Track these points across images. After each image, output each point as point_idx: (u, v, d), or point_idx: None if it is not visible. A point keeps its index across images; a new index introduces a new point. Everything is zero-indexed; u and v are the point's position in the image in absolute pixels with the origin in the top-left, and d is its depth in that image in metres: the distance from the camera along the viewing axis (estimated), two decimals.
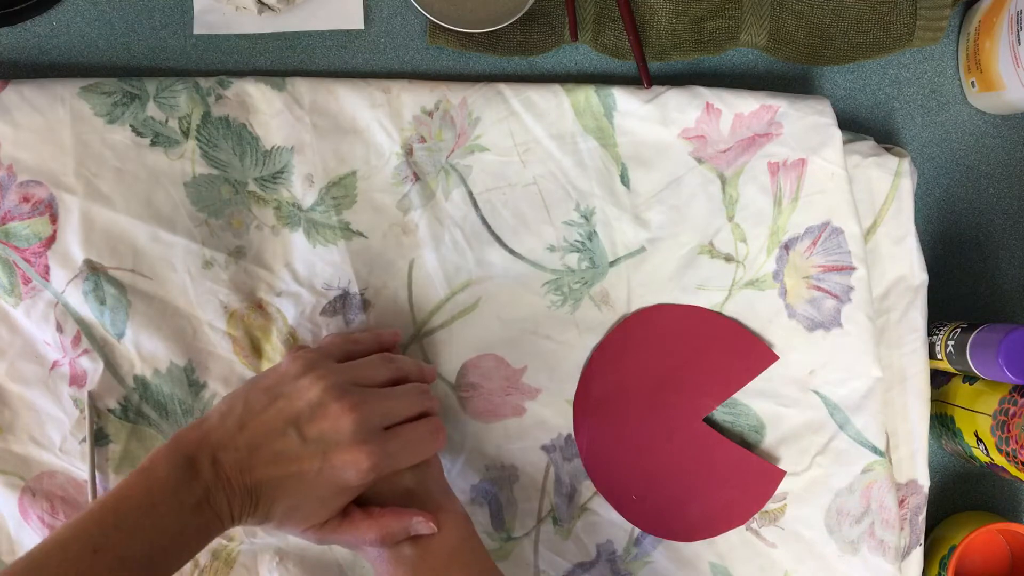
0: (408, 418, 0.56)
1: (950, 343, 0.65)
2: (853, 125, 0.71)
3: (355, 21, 0.68)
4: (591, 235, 0.67)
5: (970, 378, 0.67)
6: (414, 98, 0.66)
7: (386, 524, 0.53)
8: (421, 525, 0.53)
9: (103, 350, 0.64)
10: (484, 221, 0.66)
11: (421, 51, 0.69)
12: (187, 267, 0.64)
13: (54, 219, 0.63)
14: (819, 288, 0.66)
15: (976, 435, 0.65)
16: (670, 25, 0.67)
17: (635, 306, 0.67)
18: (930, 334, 0.68)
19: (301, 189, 0.65)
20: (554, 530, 0.66)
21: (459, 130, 0.66)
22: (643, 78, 0.67)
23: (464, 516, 0.56)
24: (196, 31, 0.68)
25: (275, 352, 0.64)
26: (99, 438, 0.63)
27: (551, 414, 0.67)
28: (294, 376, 0.53)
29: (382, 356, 0.58)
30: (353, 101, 0.66)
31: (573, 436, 0.67)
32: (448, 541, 0.54)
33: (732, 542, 0.66)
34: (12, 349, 0.63)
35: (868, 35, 0.68)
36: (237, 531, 0.64)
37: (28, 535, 0.63)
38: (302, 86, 0.65)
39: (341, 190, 0.66)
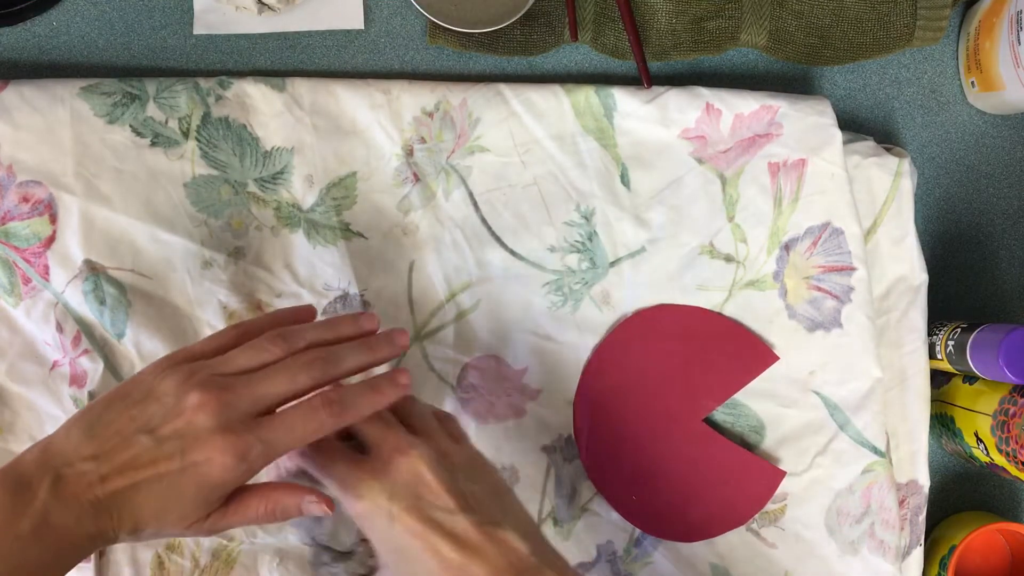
0: (296, 395, 0.48)
1: (950, 343, 0.65)
2: (853, 125, 0.71)
3: (355, 21, 0.68)
4: (591, 235, 0.67)
5: (970, 378, 0.67)
6: (414, 99, 0.66)
7: (277, 498, 0.48)
8: (314, 506, 0.48)
9: (103, 350, 0.64)
10: (484, 222, 0.66)
11: (421, 51, 0.69)
12: (186, 267, 0.64)
13: (54, 219, 0.63)
14: (819, 288, 0.66)
15: (976, 435, 0.65)
16: (670, 25, 0.67)
17: (635, 306, 0.67)
18: (930, 334, 0.68)
19: (301, 190, 0.65)
20: (554, 531, 0.66)
21: (459, 131, 0.66)
22: (643, 78, 0.67)
23: (535, 530, 0.50)
24: (196, 31, 0.68)
25: None
26: None
27: (551, 415, 0.67)
28: (150, 378, 0.47)
29: (267, 335, 0.49)
30: (353, 102, 0.66)
31: (573, 437, 0.67)
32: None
33: (732, 543, 0.66)
34: (12, 349, 0.63)
35: (868, 35, 0.68)
36: (237, 531, 0.64)
37: None
38: (302, 87, 0.65)
39: (341, 191, 0.66)
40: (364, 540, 0.54)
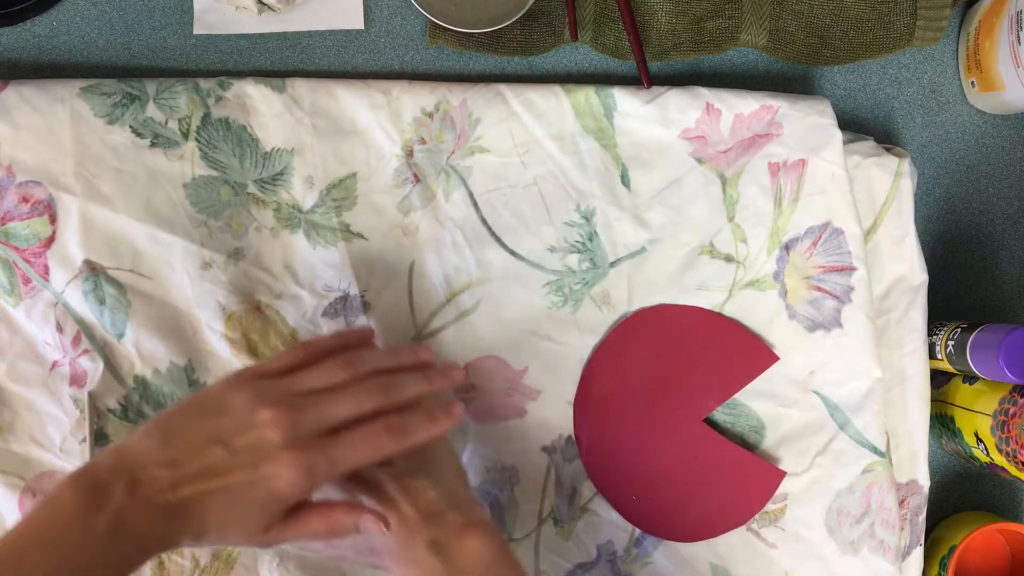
0: (360, 417, 0.52)
1: (950, 343, 0.65)
2: (853, 125, 0.71)
3: (355, 21, 0.68)
4: (592, 236, 0.67)
5: (970, 378, 0.67)
6: (414, 99, 0.66)
7: (335, 518, 0.51)
8: (371, 524, 0.52)
9: (103, 350, 0.64)
10: (485, 222, 0.66)
11: (421, 51, 0.69)
12: (186, 268, 0.64)
13: (53, 219, 0.63)
14: (819, 288, 0.66)
15: (976, 435, 0.65)
16: (670, 25, 0.67)
17: (636, 306, 0.67)
18: (930, 334, 0.68)
19: (301, 191, 0.65)
20: (555, 531, 0.66)
21: (459, 131, 0.66)
22: (643, 78, 0.67)
23: (495, 529, 0.55)
24: (196, 31, 0.68)
25: (272, 355, 0.64)
26: (99, 438, 0.63)
27: (552, 415, 0.67)
28: (223, 392, 0.50)
29: (336, 359, 0.54)
30: (353, 102, 0.66)
31: (574, 437, 0.67)
32: (482, 557, 0.52)
33: (732, 543, 0.66)
34: (12, 349, 0.63)
35: (868, 35, 0.68)
36: None
37: None
38: (302, 87, 0.65)
39: (341, 192, 0.66)
40: None
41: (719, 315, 0.67)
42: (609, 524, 0.67)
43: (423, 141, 0.66)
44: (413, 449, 0.54)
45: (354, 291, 0.65)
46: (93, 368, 0.63)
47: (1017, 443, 0.61)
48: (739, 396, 0.67)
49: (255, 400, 0.49)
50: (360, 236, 0.66)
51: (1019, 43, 0.64)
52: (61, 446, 0.63)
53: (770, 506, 0.66)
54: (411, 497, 0.53)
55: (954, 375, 0.69)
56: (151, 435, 0.48)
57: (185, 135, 0.65)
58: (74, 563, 0.44)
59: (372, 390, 0.53)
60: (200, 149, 0.65)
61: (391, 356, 0.56)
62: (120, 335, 0.63)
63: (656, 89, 0.67)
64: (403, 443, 0.52)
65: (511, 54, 0.68)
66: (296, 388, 0.51)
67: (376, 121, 0.66)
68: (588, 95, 0.66)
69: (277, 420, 0.48)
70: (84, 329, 0.63)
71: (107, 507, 0.45)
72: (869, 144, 0.68)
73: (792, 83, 0.71)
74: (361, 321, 0.65)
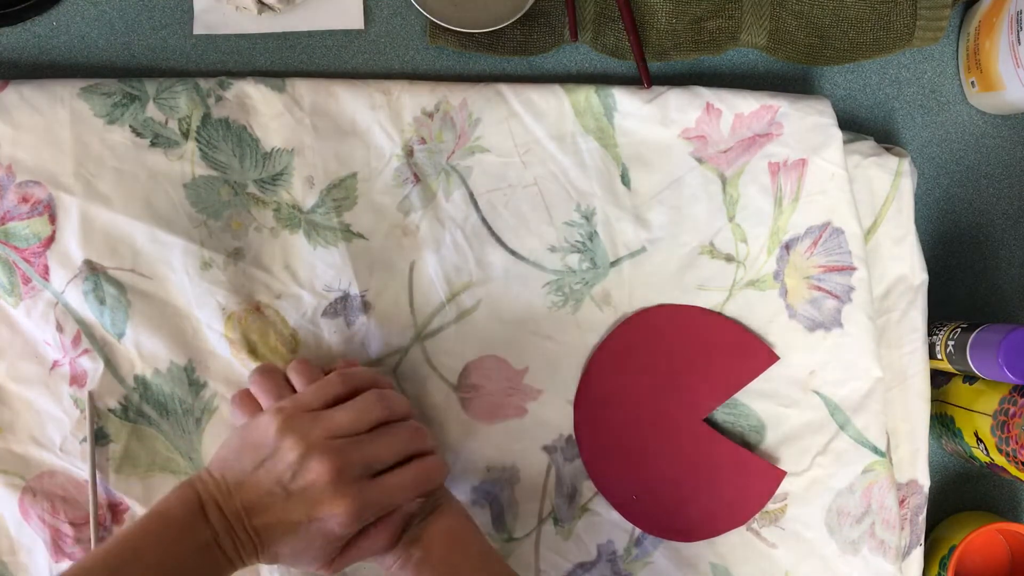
0: (398, 460, 0.57)
1: (950, 343, 0.65)
2: (853, 125, 0.71)
3: (355, 21, 0.68)
4: (592, 235, 0.67)
5: (970, 378, 0.67)
6: (414, 99, 0.66)
7: (392, 522, 0.57)
8: (412, 504, 0.57)
9: (103, 350, 0.64)
10: (485, 222, 0.66)
11: (421, 51, 0.69)
12: (185, 268, 0.64)
13: (53, 219, 0.63)
14: (820, 288, 0.66)
15: (976, 435, 0.65)
16: (670, 25, 0.67)
17: (636, 306, 0.67)
18: (930, 334, 0.68)
19: (301, 191, 0.65)
20: (555, 530, 0.66)
21: (459, 131, 0.66)
22: (643, 78, 0.67)
23: (458, 504, 0.60)
24: (196, 31, 0.68)
25: (272, 356, 0.64)
26: (99, 438, 0.63)
27: (552, 415, 0.67)
28: (275, 438, 0.54)
29: (367, 400, 0.57)
30: (353, 103, 0.65)
31: (574, 436, 0.67)
32: (449, 528, 0.58)
33: (733, 542, 0.66)
34: (12, 349, 0.63)
35: (868, 35, 0.68)
36: None
37: (28, 535, 0.63)
38: (302, 87, 0.65)
39: (342, 192, 0.66)
40: None
41: (719, 315, 0.67)
42: (609, 524, 0.67)
43: (423, 141, 0.66)
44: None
45: (354, 291, 0.65)
46: (93, 368, 0.63)
47: (1017, 443, 0.61)
48: (739, 396, 0.67)
49: (304, 445, 0.53)
50: (360, 236, 0.66)
51: (1019, 43, 0.64)
52: (61, 446, 0.63)
53: (770, 506, 0.66)
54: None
55: (954, 375, 0.69)
56: (228, 472, 0.54)
57: (185, 135, 0.64)
58: (181, 566, 0.51)
59: (410, 435, 0.57)
60: (200, 149, 0.65)
61: (404, 402, 0.60)
62: (120, 335, 0.63)
63: (656, 89, 0.67)
64: (438, 483, 0.58)
65: (511, 54, 0.68)
66: (340, 430, 0.55)
67: (376, 121, 0.66)
68: (588, 95, 0.66)
69: (325, 469, 0.53)
70: (84, 329, 0.63)
71: (207, 526, 0.52)
72: (869, 144, 0.68)
73: (792, 83, 0.71)
74: (361, 321, 0.65)
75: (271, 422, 0.55)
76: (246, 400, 0.60)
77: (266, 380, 0.60)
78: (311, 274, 0.65)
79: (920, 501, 0.67)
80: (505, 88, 0.66)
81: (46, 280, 0.63)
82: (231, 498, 0.53)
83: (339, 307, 0.65)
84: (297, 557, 0.54)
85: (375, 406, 0.57)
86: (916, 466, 0.67)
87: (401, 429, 0.57)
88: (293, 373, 0.60)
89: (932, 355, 0.67)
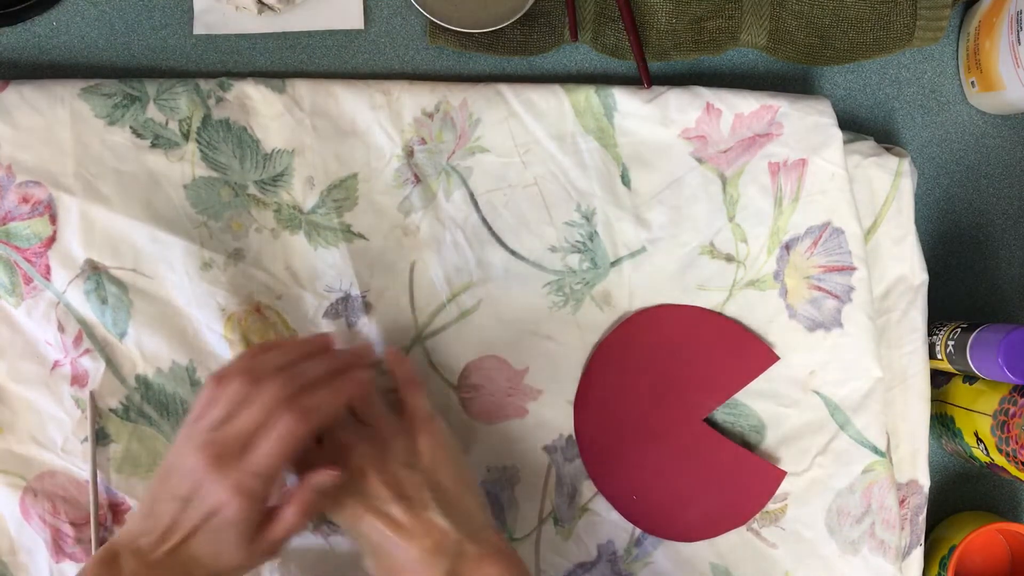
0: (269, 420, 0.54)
1: (950, 343, 0.65)
2: (853, 125, 0.71)
3: (355, 21, 0.68)
4: (592, 235, 0.67)
5: (970, 378, 0.67)
6: (414, 99, 0.66)
7: (299, 499, 0.55)
8: (324, 476, 0.55)
9: (104, 350, 0.64)
10: (485, 222, 0.66)
11: (421, 51, 0.69)
12: (185, 268, 0.64)
13: (53, 219, 0.63)
14: (820, 288, 0.66)
15: (976, 435, 0.65)
16: (670, 25, 0.67)
17: (636, 306, 0.67)
18: (930, 334, 0.68)
19: (302, 192, 0.65)
20: (555, 531, 0.66)
21: (460, 131, 0.66)
22: (643, 78, 0.67)
23: (514, 557, 0.57)
24: (196, 31, 0.68)
25: None
26: (100, 438, 0.64)
27: (552, 415, 0.67)
28: (173, 455, 0.55)
29: (235, 376, 0.55)
30: (353, 103, 0.66)
31: (574, 436, 0.67)
32: None
33: (733, 542, 0.67)
34: (13, 349, 0.63)
35: (868, 35, 0.68)
36: None
37: (29, 535, 0.63)
38: (302, 88, 0.65)
39: (342, 192, 0.66)
40: None
41: (719, 315, 0.67)
42: (609, 524, 0.67)
43: (423, 141, 0.66)
44: (433, 481, 0.58)
45: (355, 292, 0.65)
46: (94, 368, 0.63)
47: (1017, 443, 0.61)
48: (739, 396, 0.67)
49: (188, 450, 0.53)
50: (361, 236, 0.66)
51: (1019, 43, 0.64)
52: (62, 446, 0.63)
53: (770, 506, 0.66)
54: (425, 529, 0.56)
55: (954, 375, 0.69)
56: (139, 509, 0.55)
57: (185, 136, 0.65)
58: None
59: (273, 388, 0.54)
60: (200, 150, 0.65)
61: (293, 349, 0.58)
62: (122, 334, 0.63)
63: (656, 89, 0.67)
64: (310, 419, 0.54)
65: (511, 54, 0.68)
66: (214, 422, 0.54)
67: (376, 121, 0.66)
68: (588, 95, 0.66)
69: (200, 461, 0.52)
70: (85, 329, 0.63)
71: (122, 572, 0.52)
72: (869, 144, 0.68)
73: (792, 83, 0.71)
74: (363, 322, 0.65)
75: (174, 445, 0.55)
76: None
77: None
78: (312, 275, 0.65)
79: (920, 501, 0.67)
80: (505, 88, 0.66)
81: (47, 280, 0.63)
82: (141, 532, 0.53)
83: (340, 308, 0.65)
84: (219, 559, 0.53)
85: (239, 385, 0.55)
86: (916, 466, 0.67)
87: (265, 388, 0.54)
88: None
89: (932, 355, 0.67)
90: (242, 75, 0.67)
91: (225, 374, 0.56)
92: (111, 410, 0.64)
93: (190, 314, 0.64)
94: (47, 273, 0.63)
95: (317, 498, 0.56)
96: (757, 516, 0.66)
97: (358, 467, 0.57)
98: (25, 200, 0.63)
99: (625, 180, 0.67)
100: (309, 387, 0.55)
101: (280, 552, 0.56)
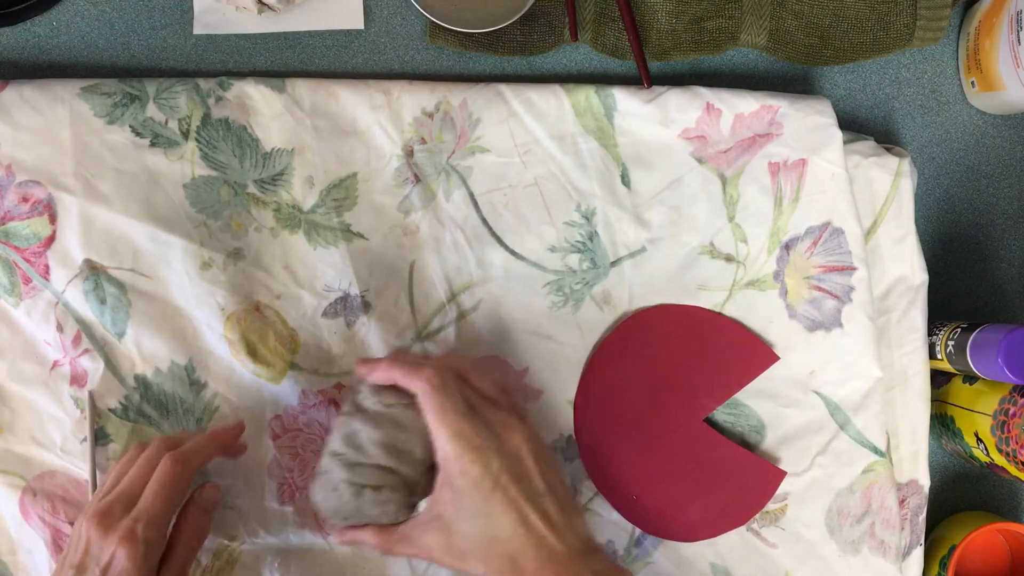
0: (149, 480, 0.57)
1: (950, 343, 0.65)
2: (853, 125, 0.71)
3: (355, 21, 0.68)
4: (592, 235, 0.67)
5: (970, 378, 0.67)
6: (414, 99, 0.66)
7: (188, 523, 0.58)
8: (209, 491, 0.59)
9: (103, 349, 0.64)
10: (485, 222, 0.66)
11: (421, 51, 0.69)
12: (185, 268, 0.64)
13: (53, 219, 0.63)
14: (820, 288, 0.66)
15: (976, 435, 0.65)
16: (670, 25, 0.67)
17: (636, 306, 0.67)
18: (930, 334, 0.68)
19: (301, 191, 0.65)
20: None
21: (459, 131, 0.66)
22: (643, 78, 0.67)
23: None
24: (196, 31, 0.68)
25: (271, 356, 0.64)
26: (100, 437, 0.63)
27: (552, 415, 0.67)
28: (72, 533, 0.57)
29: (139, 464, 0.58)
30: (353, 103, 0.66)
31: (574, 437, 0.67)
32: None
33: (733, 542, 0.66)
34: (12, 349, 0.63)
35: (868, 35, 0.68)
36: (239, 532, 0.64)
37: (29, 535, 0.63)
38: (302, 88, 0.65)
39: (342, 192, 0.66)
40: (429, 471, 0.56)
41: (719, 315, 0.67)
42: (609, 524, 0.67)
43: (423, 141, 0.66)
44: (557, 473, 0.57)
45: (354, 291, 0.65)
46: (93, 367, 0.63)
47: (1017, 443, 0.61)
48: (739, 396, 0.67)
49: (79, 523, 0.56)
50: (360, 236, 0.66)
51: (1019, 43, 0.64)
52: (62, 446, 0.63)
53: (770, 506, 0.66)
54: (575, 531, 0.55)
55: (954, 375, 0.69)
56: None
57: (185, 135, 0.65)
58: None
59: (151, 449, 0.58)
60: (200, 149, 0.65)
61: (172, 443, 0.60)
62: (121, 334, 0.63)
63: (656, 89, 0.67)
64: (187, 461, 0.57)
65: (511, 54, 0.68)
66: (101, 494, 0.57)
67: (376, 121, 0.66)
68: (588, 95, 0.66)
69: (88, 526, 0.54)
70: (84, 328, 0.63)
71: None
72: (869, 144, 0.68)
73: (792, 83, 0.71)
74: (361, 321, 0.65)
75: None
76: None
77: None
78: (311, 274, 0.65)
79: (920, 501, 0.67)
80: (505, 88, 0.66)
81: (47, 280, 0.63)
82: None
83: (339, 307, 0.65)
84: None
85: (132, 458, 0.59)
86: (916, 466, 0.67)
87: (142, 458, 0.58)
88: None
89: (932, 355, 0.67)
90: (242, 74, 0.67)
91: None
92: (110, 410, 0.64)
93: (189, 314, 0.64)
94: (46, 273, 0.63)
95: (204, 517, 0.59)
96: (757, 516, 0.66)
97: (516, 449, 0.55)
98: (25, 200, 0.63)
99: (625, 180, 0.67)
100: (185, 439, 0.59)
101: None
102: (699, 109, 0.66)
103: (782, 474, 0.66)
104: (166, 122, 0.64)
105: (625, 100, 0.66)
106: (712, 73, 0.70)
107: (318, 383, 0.65)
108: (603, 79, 0.70)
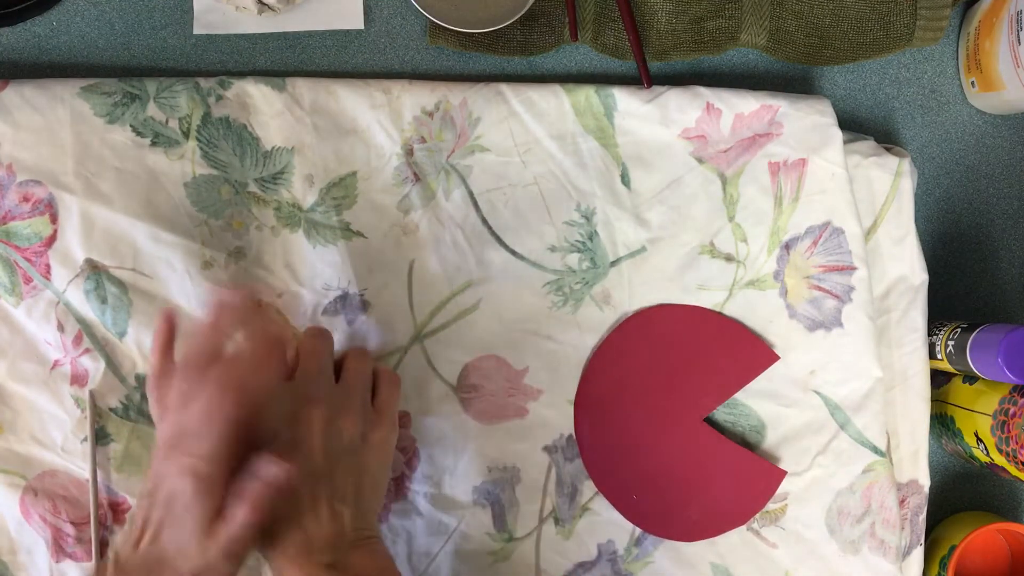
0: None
1: (950, 343, 0.65)
2: (853, 125, 0.71)
3: (355, 21, 0.68)
4: (592, 235, 0.67)
5: (970, 378, 0.67)
6: (414, 99, 0.66)
7: (250, 493, 0.53)
8: (273, 468, 0.54)
9: (104, 349, 0.64)
10: (485, 221, 0.66)
11: (421, 51, 0.69)
12: (186, 267, 0.64)
13: (54, 219, 0.63)
14: (820, 288, 0.66)
15: (976, 435, 0.65)
16: (670, 25, 0.67)
17: (636, 306, 0.67)
18: (930, 334, 0.68)
19: (301, 190, 0.65)
20: (556, 530, 0.66)
21: (459, 130, 0.66)
22: (643, 78, 0.67)
23: (382, 548, 0.57)
24: (196, 31, 0.68)
25: None
26: (100, 437, 0.64)
27: (553, 415, 0.67)
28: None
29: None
30: (353, 102, 0.66)
31: (574, 436, 0.67)
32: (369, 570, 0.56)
33: (733, 542, 0.66)
34: (13, 349, 0.64)
35: (868, 35, 0.68)
36: None
37: (29, 535, 0.63)
38: (302, 86, 0.65)
39: (341, 190, 0.66)
40: None
41: (719, 315, 0.67)
42: (610, 523, 0.67)
43: (423, 140, 0.66)
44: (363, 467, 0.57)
45: (354, 290, 0.65)
46: (94, 367, 0.63)
47: (1017, 443, 0.61)
48: (739, 396, 0.67)
49: (152, 451, 0.55)
50: (360, 235, 0.66)
51: (1019, 43, 0.64)
52: (63, 445, 0.63)
53: (770, 506, 0.66)
54: (331, 518, 0.55)
55: (954, 375, 0.69)
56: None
57: (186, 134, 0.65)
58: None
59: (211, 378, 0.54)
60: (201, 148, 0.65)
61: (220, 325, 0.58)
62: (122, 334, 0.63)
63: (656, 89, 0.67)
64: (243, 399, 0.54)
65: (511, 54, 0.68)
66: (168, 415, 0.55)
67: (376, 120, 0.66)
68: (588, 95, 0.66)
69: (157, 454, 0.53)
70: (85, 328, 0.63)
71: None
72: (869, 144, 0.68)
73: (792, 83, 0.71)
74: (361, 320, 0.65)
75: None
76: None
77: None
78: (311, 273, 0.65)
79: (920, 501, 0.67)
80: (505, 88, 0.66)
81: (47, 279, 0.63)
82: (122, 539, 0.53)
83: (338, 305, 0.65)
84: (182, 557, 0.52)
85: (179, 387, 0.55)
86: (916, 466, 0.67)
87: (205, 385, 0.54)
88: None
89: (932, 355, 0.67)
90: (242, 74, 0.67)
91: (164, 372, 0.56)
92: (111, 409, 0.64)
93: (191, 313, 0.64)
94: (47, 272, 0.63)
95: (269, 492, 0.53)
96: (757, 516, 0.66)
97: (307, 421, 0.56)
98: (25, 199, 0.63)
99: (625, 180, 0.67)
100: (242, 365, 0.55)
101: (242, 558, 0.53)
102: (699, 109, 0.66)
103: (782, 474, 0.66)
104: (166, 121, 0.64)
105: (625, 100, 0.66)
106: (712, 73, 0.70)
107: None
108: (603, 79, 0.70)
